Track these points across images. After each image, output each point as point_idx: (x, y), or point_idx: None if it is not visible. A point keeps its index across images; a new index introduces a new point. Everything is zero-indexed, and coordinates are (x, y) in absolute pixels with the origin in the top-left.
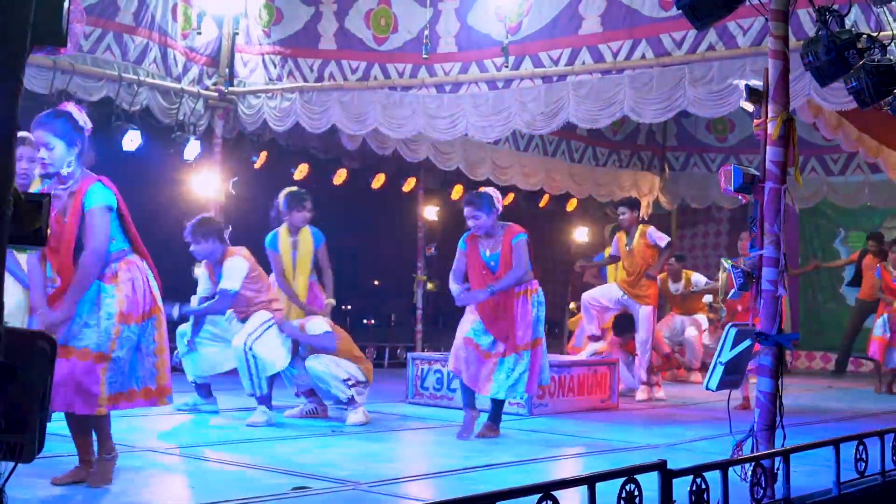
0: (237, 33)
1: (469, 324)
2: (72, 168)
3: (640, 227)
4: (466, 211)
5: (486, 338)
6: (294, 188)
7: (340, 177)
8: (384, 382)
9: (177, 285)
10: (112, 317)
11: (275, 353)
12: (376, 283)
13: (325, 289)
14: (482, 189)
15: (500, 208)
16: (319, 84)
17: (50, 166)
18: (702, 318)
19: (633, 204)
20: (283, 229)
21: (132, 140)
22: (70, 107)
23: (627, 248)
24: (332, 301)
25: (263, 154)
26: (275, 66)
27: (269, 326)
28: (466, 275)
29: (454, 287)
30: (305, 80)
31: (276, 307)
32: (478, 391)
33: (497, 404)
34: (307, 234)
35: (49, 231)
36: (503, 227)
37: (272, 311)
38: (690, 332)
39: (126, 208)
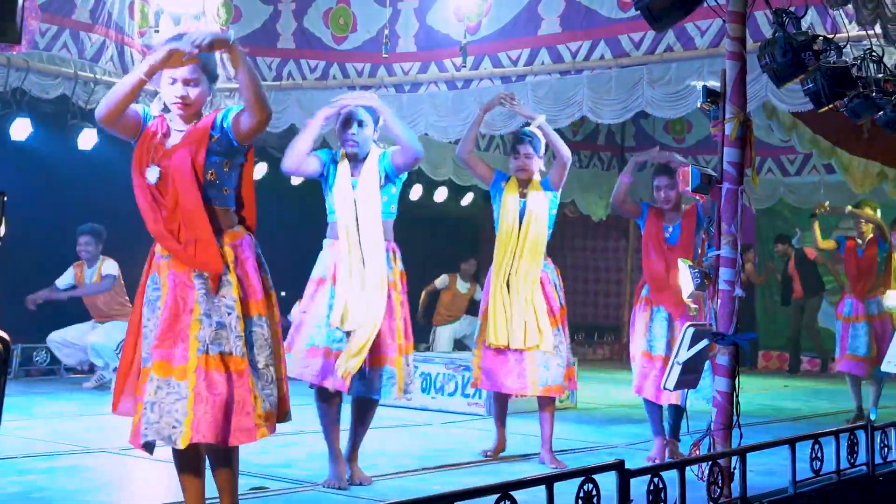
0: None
1: (642, 336)
2: None
3: None
4: (661, 181)
5: (662, 342)
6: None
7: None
8: None
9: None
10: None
11: None
12: None
13: None
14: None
15: None
16: (278, 83)
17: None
18: None
19: None
20: None
21: (88, 138)
22: None
23: None
24: None
25: None
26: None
27: None
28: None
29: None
30: (264, 80)
31: None
32: (658, 401)
33: (678, 413)
34: None
35: None
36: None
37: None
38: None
39: None
